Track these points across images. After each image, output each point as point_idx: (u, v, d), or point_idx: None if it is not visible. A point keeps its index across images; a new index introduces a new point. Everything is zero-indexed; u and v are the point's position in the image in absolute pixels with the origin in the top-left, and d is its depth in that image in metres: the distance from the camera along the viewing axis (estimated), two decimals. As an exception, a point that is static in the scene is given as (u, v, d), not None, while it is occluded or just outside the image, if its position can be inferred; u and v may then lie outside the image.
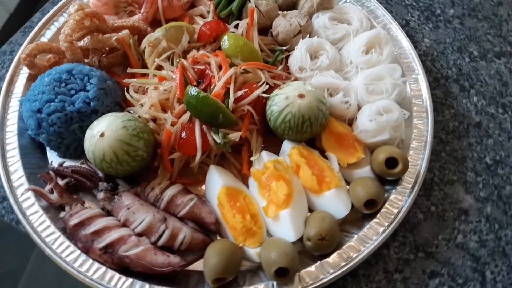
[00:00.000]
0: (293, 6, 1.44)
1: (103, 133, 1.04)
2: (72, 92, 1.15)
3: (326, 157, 1.17)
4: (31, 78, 1.27)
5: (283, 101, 1.12)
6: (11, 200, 1.08)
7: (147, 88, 1.24)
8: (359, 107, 1.23)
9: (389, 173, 1.10)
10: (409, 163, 1.13)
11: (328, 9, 1.40)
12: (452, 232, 1.12)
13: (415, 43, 1.44)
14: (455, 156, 1.23)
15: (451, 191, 1.18)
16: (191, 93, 1.12)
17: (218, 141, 1.12)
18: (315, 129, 1.15)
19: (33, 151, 1.19)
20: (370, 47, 1.30)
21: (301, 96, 1.11)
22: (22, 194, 1.09)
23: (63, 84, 1.15)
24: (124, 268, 1.00)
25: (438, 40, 1.46)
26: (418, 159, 1.15)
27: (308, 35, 1.35)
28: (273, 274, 0.96)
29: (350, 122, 1.23)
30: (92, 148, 1.05)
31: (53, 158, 1.20)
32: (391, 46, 1.30)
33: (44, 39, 1.36)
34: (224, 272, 0.97)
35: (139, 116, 1.16)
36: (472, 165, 1.22)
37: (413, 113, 1.24)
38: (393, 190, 1.11)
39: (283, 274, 0.96)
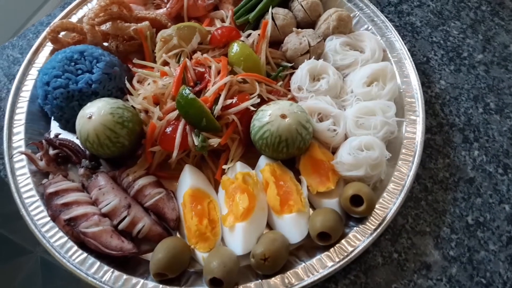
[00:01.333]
0: (311, 24, 1.43)
1: (91, 115, 1.12)
2: (79, 72, 1.24)
3: (299, 180, 1.17)
4: (54, 52, 1.39)
5: (266, 117, 1.14)
6: (6, 159, 1.20)
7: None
8: (346, 138, 1.22)
9: (352, 210, 1.09)
10: (378, 205, 1.11)
11: (344, 34, 1.38)
12: (407, 284, 1.08)
13: (429, 83, 1.38)
14: (435, 208, 1.18)
15: (420, 242, 1.13)
16: (183, 93, 1.18)
17: (196, 142, 1.17)
18: (292, 151, 1.15)
19: (39, 119, 1.31)
20: (373, 80, 1.27)
21: (283, 116, 1.12)
22: (16, 156, 1.20)
23: (73, 63, 1.25)
24: (83, 243, 1.09)
25: (455, 84, 1.38)
26: (390, 203, 1.12)
27: (316, 56, 1.35)
28: (208, 282, 1.00)
29: (335, 150, 1.22)
30: (79, 128, 1.14)
31: (55, 129, 1.31)
32: (395, 83, 1.27)
33: (75, 17, 1.47)
34: (166, 268, 1.02)
35: (133, 106, 1.23)
36: (451, 221, 1.16)
37: (400, 155, 1.20)
38: (355, 228, 1.10)
39: (218, 284, 0.99)
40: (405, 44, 1.38)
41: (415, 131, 1.23)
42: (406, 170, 1.17)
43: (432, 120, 1.31)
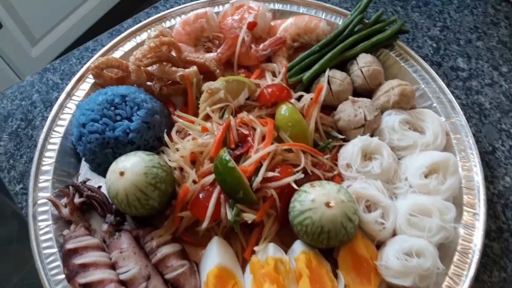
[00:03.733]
0: (370, 92, 1.32)
1: (124, 172, 1.05)
2: (118, 118, 1.17)
3: (336, 273, 1.06)
4: (95, 85, 1.33)
5: (308, 202, 1.03)
6: (30, 199, 1.14)
7: (188, 133, 1.23)
8: (394, 232, 1.10)
9: (393, 327, 0.97)
10: (422, 323, 0.99)
11: (405, 109, 1.26)
12: None
13: (492, 178, 1.24)
14: (484, 331, 1.04)
15: None
16: (222, 157, 1.09)
17: (229, 217, 1.07)
18: (333, 243, 1.05)
19: (69, 156, 1.25)
20: (433, 171, 1.15)
21: (328, 204, 1.02)
22: (40, 199, 1.14)
23: (113, 108, 1.18)
24: (95, 309, 1.01)
25: (523, 183, 1.24)
26: (435, 321, 1.00)
27: (371, 132, 1.23)
28: None
29: (380, 243, 1.10)
30: (109, 183, 1.07)
31: (85, 169, 1.25)
32: (457, 178, 1.14)
33: (121, 50, 1.40)
34: None
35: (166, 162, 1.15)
36: None
37: (452, 263, 1.07)
38: None
39: None
40: (470, 127, 1.24)
41: (472, 237, 1.10)
42: (459, 283, 1.04)
43: (491, 223, 1.17)
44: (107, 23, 2.78)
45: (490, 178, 1.24)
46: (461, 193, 1.16)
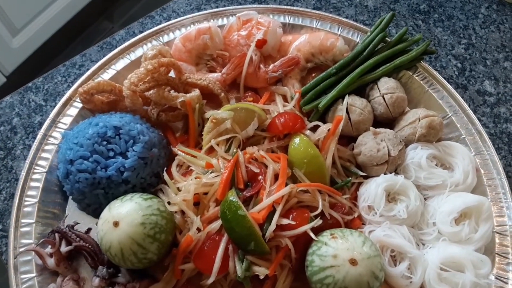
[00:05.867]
0: (391, 121, 1.19)
1: (118, 222, 0.91)
2: (110, 153, 1.03)
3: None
4: (84, 109, 1.18)
5: (330, 258, 0.91)
6: (10, 247, 1.00)
7: (190, 169, 1.10)
8: (422, 286, 0.99)
9: None
10: None
11: (431, 142, 1.14)
12: None
13: (525, 219, 1.13)
14: None
15: None
16: (230, 202, 0.96)
17: (238, 272, 0.95)
18: (356, 304, 0.93)
19: (54, 194, 1.10)
20: (464, 216, 1.03)
21: (352, 262, 0.90)
22: (22, 251, 1.00)
23: (105, 142, 1.03)
24: None
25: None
26: None
27: (395, 168, 1.11)
28: None
29: (404, 297, 0.99)
30: (102, 234, 0.93)
31: (73, 208, 1.10)
32: (491, 225, 1.03)
33: (113, 69, 1.25)
34: None
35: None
36: None
37: (485, 325, 0.96)
38: None
39: None
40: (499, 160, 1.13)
41: (507, 289, 0.99)
42: None
43: (525, 272, 1.07)
44: (92, 12, 2.61)
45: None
46: (493, 239, 1.05)
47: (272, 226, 0.96)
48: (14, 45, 2.42)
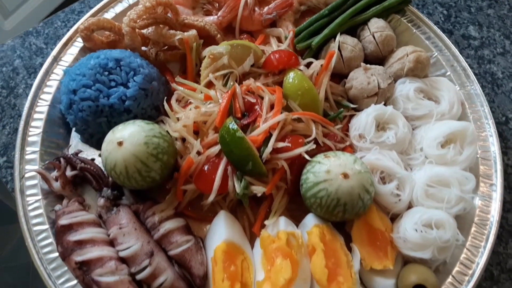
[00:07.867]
0: (381, 60, 1.25)
1: (122, 142, 0.95)
2: (112, 84, 1.07)
3: (350, 247, 1.01)
4: (84, 50, 1.22)
5: (323, 173, 0.97)
6: (16, 173, 1.04)
7: (189, 101, 1.14)
8: (410, 205, 1.05)
9: (413, 302, 0.92)
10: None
11: (419, 77, 1.20)
12: None
13: (506, 149, 1.20)
14: (502, 304, 1.01)
15: None
16: (228, 127, 1.00)
17: (237, 190, 1.00)
18: (348, 216, 0.99)
19: (58, 127, 1.14)
20: (450, 141, 1.09)
21: (345, 175, 0.95)
22: (28, 171, 1.04)
23: (106, 73, 1.07)
24: (94, 290, 0.93)
25: (537, 153, 1.21)
26: (455, 293, 0.96)
27: (384, 100, 1.16)
28: None
29: (395, 216, 1.05)
30: (106, 154, 0.97)
31: (76, 140, 1.14)
32: (475, 148, 1.09)
33: (112, 12, 1.28)
34: None
35: (168, 131, 1.06)
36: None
37: (470, 235, 1.03)
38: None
39: None
40: (482, 97, 1.19)
41: (490, 208, 1.06)
42: (476, 256, 1.00)
43: (505, 195, 1.14)
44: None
45: (503, 149, 1.20)
46: (477, 164, 1.11)
47: (269, 148, 1.01)
48: (6, 27, 2.42)
